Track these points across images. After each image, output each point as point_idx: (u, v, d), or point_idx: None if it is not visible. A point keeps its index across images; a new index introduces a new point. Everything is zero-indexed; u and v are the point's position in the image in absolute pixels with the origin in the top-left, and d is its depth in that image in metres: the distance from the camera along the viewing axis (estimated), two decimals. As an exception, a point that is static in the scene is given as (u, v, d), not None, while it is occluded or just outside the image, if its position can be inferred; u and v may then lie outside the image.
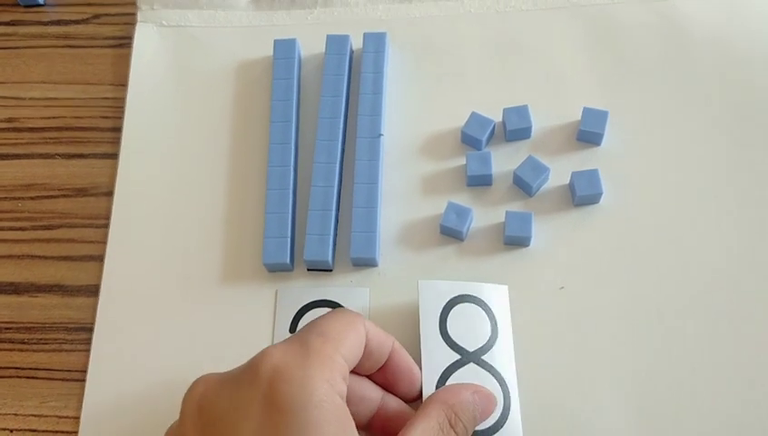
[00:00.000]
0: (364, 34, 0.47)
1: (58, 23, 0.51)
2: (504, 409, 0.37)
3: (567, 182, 0.43)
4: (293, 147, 0.44)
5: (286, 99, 0.45)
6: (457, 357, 0.38)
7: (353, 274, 0.42)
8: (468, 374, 0.38)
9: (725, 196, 0.42)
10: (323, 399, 0.29)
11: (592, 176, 0.42)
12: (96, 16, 0.51)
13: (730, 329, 0.39)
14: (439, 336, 0.39)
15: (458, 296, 0.40)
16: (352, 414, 0.30)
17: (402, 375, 0.36)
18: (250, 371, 0.30)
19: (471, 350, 0.38)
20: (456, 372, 0.38)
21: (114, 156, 0.46)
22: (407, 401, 0.37)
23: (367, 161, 0.43)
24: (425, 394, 0.37)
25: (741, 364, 0.38)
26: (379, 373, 0.36)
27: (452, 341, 0.39)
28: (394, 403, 0.36)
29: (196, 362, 0.40)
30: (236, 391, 0.30)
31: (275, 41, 0.47)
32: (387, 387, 0.36)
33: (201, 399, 0.31)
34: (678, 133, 0.44)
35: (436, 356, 0.38)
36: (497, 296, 0.40)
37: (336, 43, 0.46)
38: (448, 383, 0.37)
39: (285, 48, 0.47)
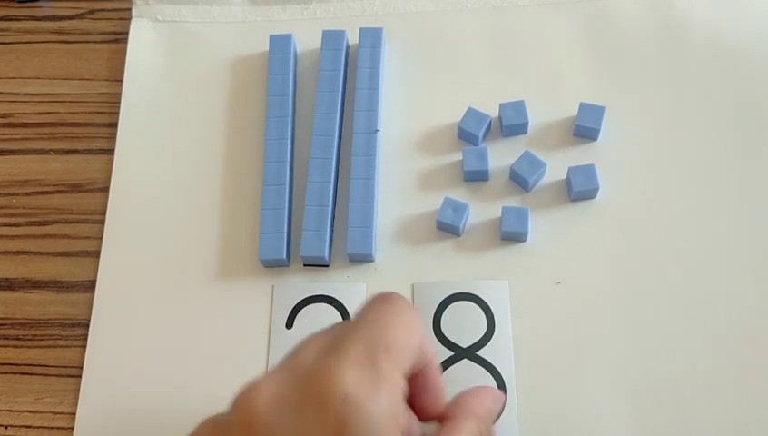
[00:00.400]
0: (360, 30, 0.47)
1: (53, 18, 0.51)
2: (500, 404, 0.37)
3: (564, 177, 0.43)
4: (289, 143, 0.44)
5: (282, 94, 0.45)
6: (451, 354, 0.38)
7: (350, 270, 0.42)
8: (462, 370, 0.38)
9: (722, 190, 0.42)
10: (391, 427, 0.27)
11: (588, 171, 0.42)
12: (91, 12, 0.51)
13: (727, 322, 0.39)
14: (433, 335, 0.39)
15: (453, 294, 0.40)
16: None
17: (430, 392, 0.33)
18: (317, 397, 0.27)
19: (465, 346, 0.38)
20: (449, 369, 0.38)
21: (110, 152, 0.46)
22: (422, 418, 0.33)
23: (363, 156, 0.43)
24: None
25: (737, 357, 0.38)
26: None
27: (445, 338, 0.39)
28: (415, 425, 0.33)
29: (192, 358, 0.40)
30: (301, 416, 0.27)
31: (271, 36, 0.47)
32: (409, 399, 0.33)
33: (261, 414, 0.27)
34: (674, 127, 0.44)
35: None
36: (495, 292, 0.40)
37: (332, 38, 0.46)
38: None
39: (281, 43, 0.47)
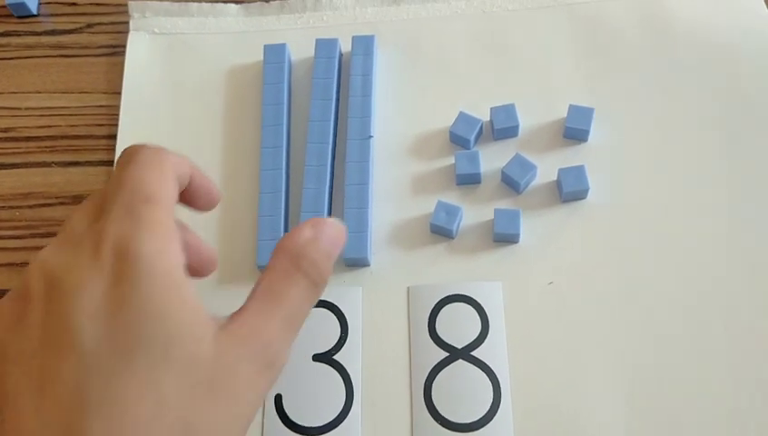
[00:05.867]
0: (353, 38, 0.47)
1: (52, 32, 0.52)
2: (493, 403, 0.38)
3: (555, 178, 0.43)
4: (285, 150, 0.45)
5: (276, 103, 0.46)
6: (446, 355, 0.39)
7: (345, 274, 0.42)
8: (457, 371, 0.39)
9: (711, 189, 0.43)
10: (167, 271, 0.29)
11: (578, 172, 0.42)
12: (89, 25, 0.52)
13: (719, 320, 0.39)
14: (428, 336, 0.40)
15: (448, 296, 0.40)
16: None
17: (199, 191, 0.35)
18: (91, 255, 0.29)
19: (459, 347, 0.39)
20: (444, 369, 0.39)
21: (110, 163, 0.47)
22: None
23: (357, 162, 0.44)
24: (414, 397, 0.38)
25: (729, 354, 0.39)
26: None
27: (440, 339, 0.39)
28: (191, 237, 0.36)
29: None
30: (78, 259, 0.29)
31: (265, 46, 0.48)
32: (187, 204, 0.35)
33: (44, 266, 0.30)
34: (664, 127, 0.45)
35: (424, 355, 0.39)
36: (489, 293, 0.41)
37: (325, 46, 0.47)
38: (435, 381, 0.38)
39: (275, 53, 0.47)
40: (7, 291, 0.44)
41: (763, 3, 0.48)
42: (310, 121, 0.45)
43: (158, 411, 0.28)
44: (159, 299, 0.28)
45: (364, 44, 0.47)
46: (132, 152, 0.32)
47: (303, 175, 0.44)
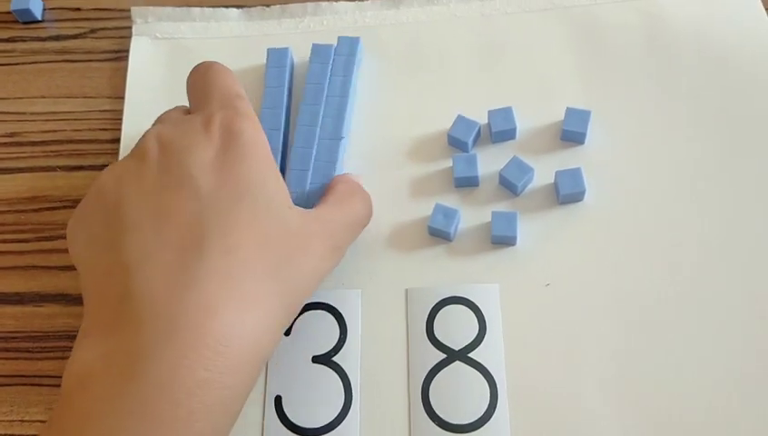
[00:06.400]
0: (338, 38, 0.48)
1: (56, 38, 0.53)
2: (490, 404, 0.38)
3: (552, 181, 0.44)
4: (280, 154, 0.45)
5: (274, 106, 0.46)
6: (443, 356, 0.39)
7: (344, 276, 0.43)
8: (454, 372, 0.39)
9: (708, 191, 0.43)
10: (265, 149, 0.37)
11: (575, 175, 0.43)
12: (93, 31, 0.53)
13: (717, 321, 0.40)
14: (426, 338, 0.40)
15: (446, 298, 0.41)
16: None
17: None
18: (201, 122, 0.36)
19: (457, 348, 0.40)
20: (442, 371, 0.39)
21: (113, 167, 0.47)
22: None
23: (324, 162, 0.44)
24: (412, 398, 0.39)
25: (727, 356, 0.39)
26: None
27: (438, 341, 0.40)
28: None
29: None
30: (190, 130, 0.36)
31: (268, 50, 0.48)
32: None
33: (159, 135, 0.37)
34: (660, 129, 0.45)
35: (422, 356, 0.40)
36: (486, 295, 0.41)
37: (319, 52, 0.47)
38: (432, 383, 0.39)
39: (278, 57, 0.48)
40: (15, 294, 0.45)
41: (761, 5, 0.48)
42: (298, 125, 0.45)
43: (262, 247, 0.34)
44: (261, 167, 0.36)
45: (348, 45, 0.47)
46: (206, 65, 0.40)
47: (287, 178, 0.43)
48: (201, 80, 0.39)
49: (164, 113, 0.41)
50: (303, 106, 0.46)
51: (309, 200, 0.43)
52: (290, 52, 0.48)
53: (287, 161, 0.45)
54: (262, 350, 0.33)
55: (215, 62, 0.40)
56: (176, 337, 0.30)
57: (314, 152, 0.44)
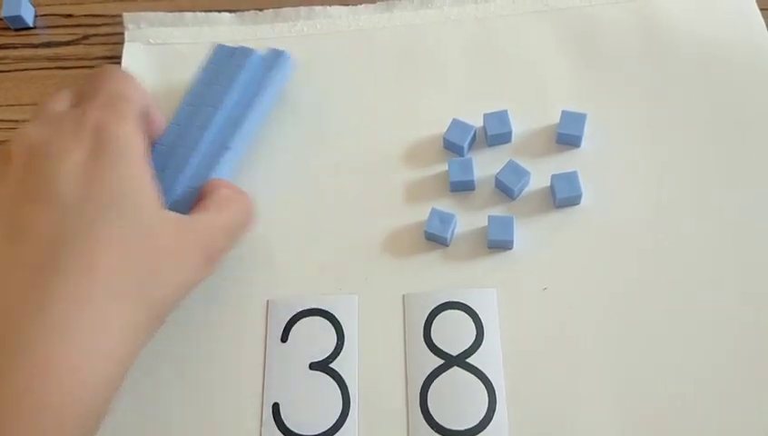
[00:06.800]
0: (267, 50, 0.47)
1: (48, 45, 0.53)
2: (488, 409, 0.38)
3: (548, 184, 0.43)
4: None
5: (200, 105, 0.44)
6: (441, 362, 0.39)
7: (341, 282, 0.42)
8: (452, 378, 0.39)
9: (704, 194, 0.43)
10: (137, 151, 0.36)
11: (571, 178, 0.43)
12: (86, 37, 0.53)
13: (713, 326, 0.40)
14: (423, 343, 0.40)
15: (443, 304, 0.41)
16: None
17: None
18: (74, 123, 0.36)
19: (455, 354, 0.39)
20: (439, 377, 0.39)
21: (107, 175, 0.47)
22: None
23: (203, 169, 0.42)
24: (410, 404, 0.39)
25: (723, 360, 0.39)
26: None
27: (436, 347, 0.40)
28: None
29: (188, 374, 0.41)
30: (60, 133, 0.35)
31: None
32: None
33: (27, 138, 0.36)
34: (656, 133, 0.45)
35: (420, 363, 0.39)
36: (483, 300, 0.41)
37: (223, 54, 0.46)
38: (431, 388, 0.39)
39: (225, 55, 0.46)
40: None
41: (757, 9, 0.48)
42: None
43: (125, 264, 0.32)
44: (131, 173, 0.35)
45: (272, 59, 0.46)
46: (109, 67, 0.40)
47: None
48: (97, 78, 0.39)
49: (49, 99, 0.39)
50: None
51: (179, 204, 0.40)
52: (257, 55, 0.46)
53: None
54: (119, 366, 0.32)
55: (118, 66, 0.40)
56: (24, 360, 0.29)
57: (189, 154, 0.42)
